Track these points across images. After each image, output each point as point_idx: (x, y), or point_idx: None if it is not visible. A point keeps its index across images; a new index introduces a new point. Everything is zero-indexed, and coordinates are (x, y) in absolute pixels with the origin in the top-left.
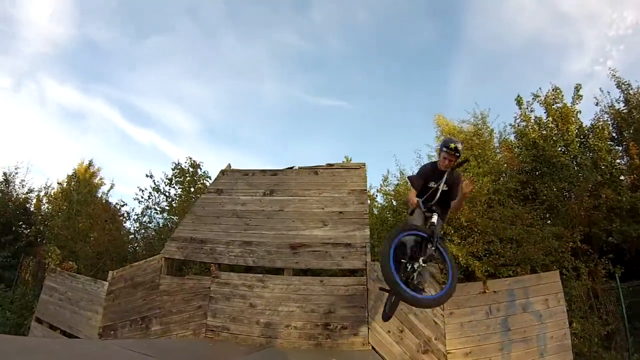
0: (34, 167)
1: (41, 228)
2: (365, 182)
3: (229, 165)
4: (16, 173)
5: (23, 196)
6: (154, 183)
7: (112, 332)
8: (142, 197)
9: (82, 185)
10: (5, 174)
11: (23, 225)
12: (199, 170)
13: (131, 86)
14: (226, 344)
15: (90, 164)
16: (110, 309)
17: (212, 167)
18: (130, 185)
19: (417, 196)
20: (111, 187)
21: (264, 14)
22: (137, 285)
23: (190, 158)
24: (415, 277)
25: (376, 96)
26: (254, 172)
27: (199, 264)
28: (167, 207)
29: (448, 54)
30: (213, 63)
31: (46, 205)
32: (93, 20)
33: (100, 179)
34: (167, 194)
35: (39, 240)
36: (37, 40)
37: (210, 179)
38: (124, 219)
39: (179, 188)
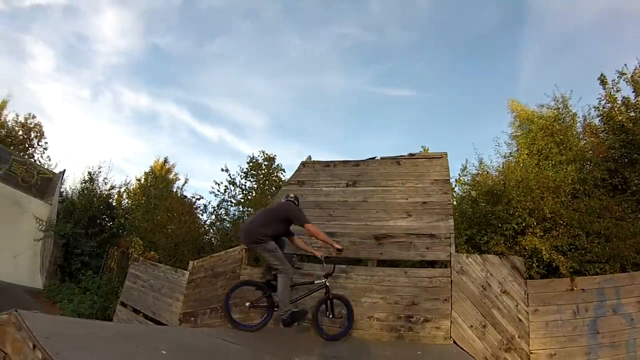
0: (114, 165)
1: (122, 221)
2: (448, 171)
3: (309, 158)
4: (99, 172)
5: (106, 192)
6: (230, 177)
7: (192, 319)
8: (217, 191)
9: (159, 181)
10: (90, 173)
11: (106, 219)
12: (272, 163)
13: (198, 87)
14: (307, 334)
15: (165, 160)
16: (191, 296)
17: (281, 161)
18: (201, 179)
19: None
20: (185, 182)
21: (322, 9)
22: (217, 275)
23: (263, 152)
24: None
25: (443, 84)
26: (335, 164)
27: None
28: (242, 200)
29: (516, 35)
30: (276, 59)
31: (126, 200)
32: (157, 29)
33: (175, 174)
34: (242, 186)
35: (120, 231)
36: (110, 54)
37: (284, 171)
38: (200, 212)
39: (253, 181)
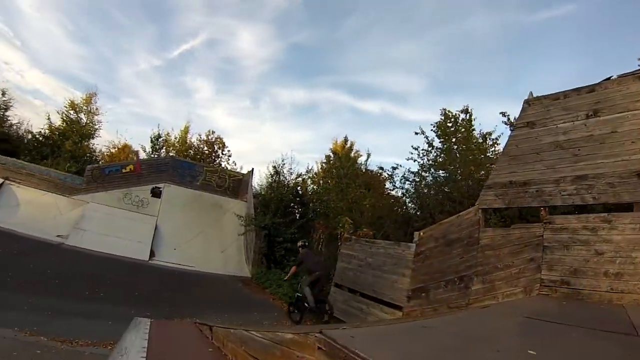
0: (288, 156)
1: (315, 205)
2: None
3: (531, 94)
4: (283, 164)
5: (293, 182)
6: (427, 139)
7: (422, 294)
8: (417, 156)
9: (344, 160)
10: (275, 167)
11: (295, 206)
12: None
13: (347, 68)
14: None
15: (345, 139)
16: (420, 270)
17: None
18: (377, 152)
19: None
20: (368, 157)
21: None
22: (451, 242)
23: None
24: None
25: None
26: (565, 94)
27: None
28: (441, 160)
29: None
30: (411, 19)
31: (311, 185)
32: (290, 30)
33: (357, 151)
34: (440, 147)
35: (310, 215)
36: (257, 65)
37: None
38: (392, 183)
39: (452, 138)
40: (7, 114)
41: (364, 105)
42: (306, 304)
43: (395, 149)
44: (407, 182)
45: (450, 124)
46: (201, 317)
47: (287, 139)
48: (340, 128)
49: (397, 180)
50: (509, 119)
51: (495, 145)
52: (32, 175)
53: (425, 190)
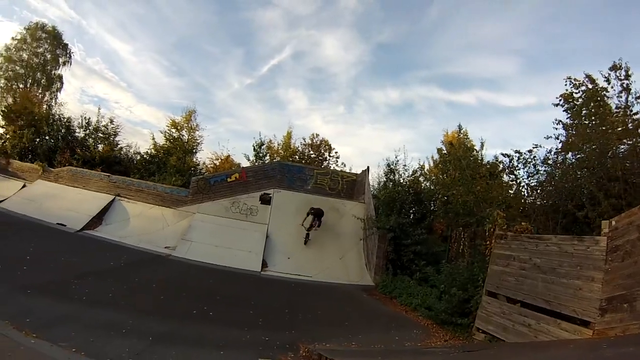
0: (388, 157)
1: (426, 203)
2: None
3: None
4: (397, 162)
5: (409, 179)
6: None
7: (624, 305)
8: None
9: (462, 150)
10: (388, 164)
11: (412, 205)
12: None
13: (434, 60)
14: None
15: (460, 128)
16: (619, 272)
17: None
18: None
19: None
20: (482, 146)
21: None
22: None
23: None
24: None
25: None
26: None
27: None
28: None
29: None
30: None
31: (424, 182)
32: (371, 30)
33: (470, 140)
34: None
35: (429, 215)
36: (345, 70)
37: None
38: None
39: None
40: (117, 139)
41: (459, 97)
42: None
43: (498, 140)
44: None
45: (582, 94)
46: (333, 341)
47: (387, 140)
48: (439, 124)
49: (523, 167)
50: None
51: None
52: (140, 191)
53: (562, 175)
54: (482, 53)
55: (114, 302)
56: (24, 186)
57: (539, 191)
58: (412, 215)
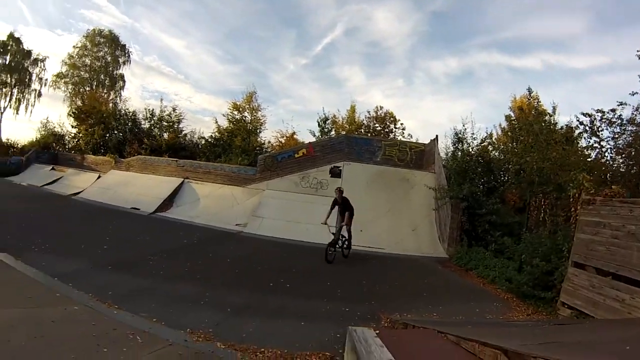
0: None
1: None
2: None
3: None
4: (465, 130)
5: (477, 148)
6: None
7: None
8: None
9: (532, 116)
10: (456, 134)
11: (481, 174)
12: None
13: (492, 23)
14: None
15: (530, 91)
16: None
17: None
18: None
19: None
20: (554, 111)
21: None
22: None
23: None
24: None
25: None
26: None
27: None
28: None
29: None
30: None
31: (493, 151)
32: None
33: (541, 104)
34: None
35: (500, 183)
36: (400, 42)
37: None
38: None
39: None
40: (180, 126)
41: (522, 61)
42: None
43: (567, 106)
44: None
45: None
46: (413, 312)
47: (449, 111)
48: (501, 92)
49: (607, 127)
50: None
51: None
52: (208, 172)
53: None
54: (545, 13)
55: (190, 276)
56: (99, 177)
57: (625, 155)
58: (481, 186)
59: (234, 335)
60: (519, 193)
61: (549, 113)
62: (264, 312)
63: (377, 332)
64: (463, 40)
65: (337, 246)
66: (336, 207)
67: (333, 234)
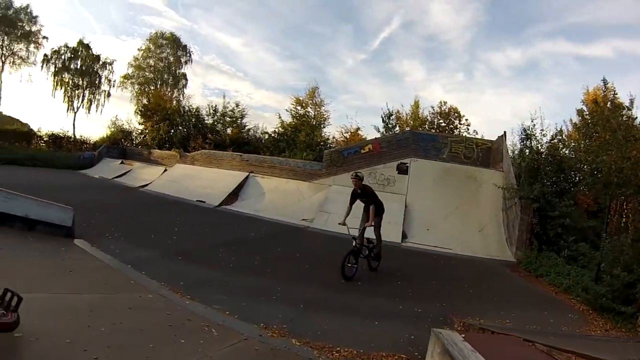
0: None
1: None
2: None
3: None
4: (534, 126)
5: (547, 145)
6: None
7: None
8: None
9: (608, 110)
10: (524, 130)
11: (550, 173)
12: None
13: (557, 8)
14: None
15: (604, 82)
16: None
17: None
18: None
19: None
20: (631, 104)
21: None
22: None
23: None
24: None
25: None
26: None
27: None
28: None
29: None
30: None
31: (563, 149)
32: None
33: (617, 97)
34: None
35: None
36: (460, 35)
37: None
38: None
39: None
40: (243, 121)
41: (591, 49)
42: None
43: None
44: None
45: None
46: (485, 317)
47: (512, 106)
48: (568, 84)
49: None
50: None
51: None
52: (273, 167)
53: None
54: None
55: (260, 269)
56: (165, 170)
57: None
58: (552, 187)
59: (308, 331)
60: (593, 195)
61: (626, 106)
62: (336, 309)
63: (464, 336)
64: (525, 28)
65: (361, 255)
66: (357, 200)
67: (354, 238)
